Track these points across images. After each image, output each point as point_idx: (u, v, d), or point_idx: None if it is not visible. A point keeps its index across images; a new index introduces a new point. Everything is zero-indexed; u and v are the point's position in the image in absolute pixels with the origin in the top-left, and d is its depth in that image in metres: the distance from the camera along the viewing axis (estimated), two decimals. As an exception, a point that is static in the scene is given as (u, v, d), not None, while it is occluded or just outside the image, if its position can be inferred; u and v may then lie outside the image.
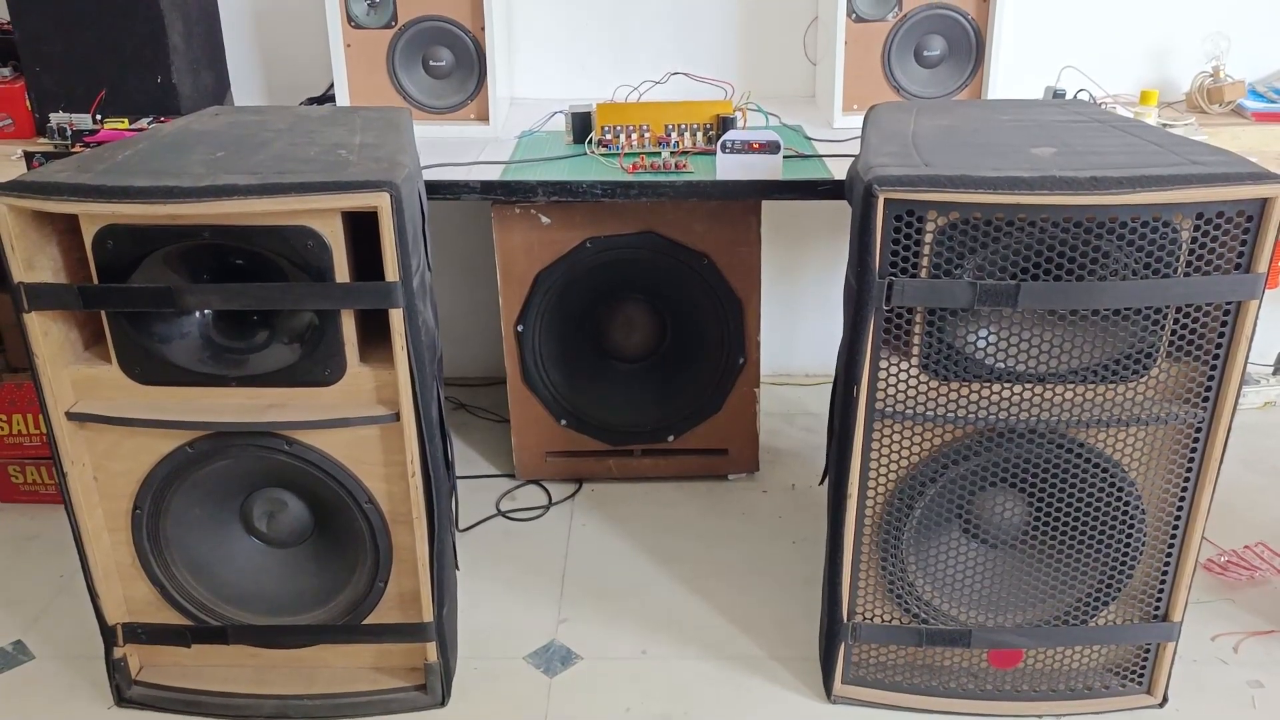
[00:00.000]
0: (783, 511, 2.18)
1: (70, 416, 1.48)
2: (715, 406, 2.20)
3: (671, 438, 2.23)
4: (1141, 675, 1.63)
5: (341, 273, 1.42)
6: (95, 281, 1.41)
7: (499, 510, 2.20)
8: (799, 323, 2.73)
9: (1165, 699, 1.63)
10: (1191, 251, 1.36)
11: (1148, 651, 1.61)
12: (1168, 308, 1.39)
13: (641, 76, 2.35)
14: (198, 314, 1.47)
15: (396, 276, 1.40)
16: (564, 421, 2.22)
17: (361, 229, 1.43)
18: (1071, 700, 1.62)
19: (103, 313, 1.44)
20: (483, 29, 2.09)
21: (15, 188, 1.34)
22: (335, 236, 1.39)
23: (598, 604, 1.91)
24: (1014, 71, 2.39)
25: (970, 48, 2.15)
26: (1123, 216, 1.33)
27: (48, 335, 1.43)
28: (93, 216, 1.37)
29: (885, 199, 1.34)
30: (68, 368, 1.48)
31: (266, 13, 2.43)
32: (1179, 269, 1.36)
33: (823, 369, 2.77)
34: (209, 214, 1.34)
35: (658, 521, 2.16)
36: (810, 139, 2.12)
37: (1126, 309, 1.39)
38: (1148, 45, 2.44)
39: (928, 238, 1.37)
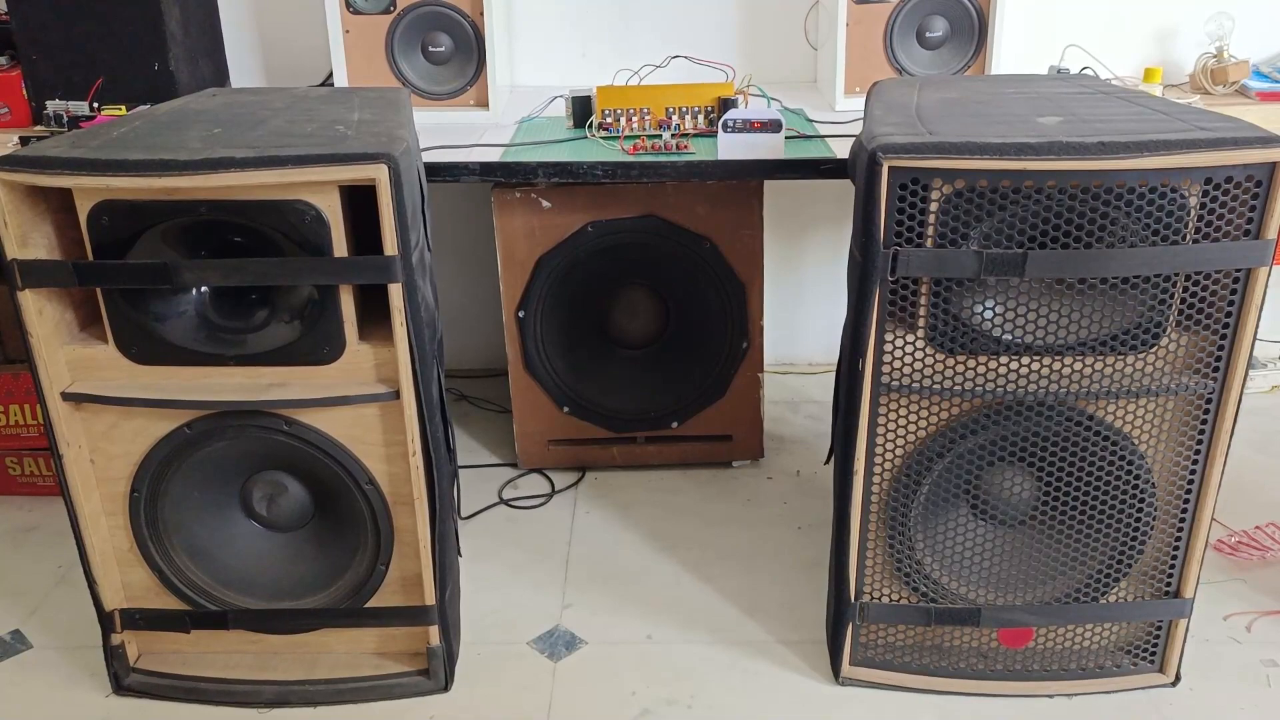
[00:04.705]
0: (788, 497, 2.16)
1: (66, 397, 1.46)
2: (719, 392, 2.18)
3: (675, 424, 2.21)
4: (1154, 654, 1.61)
5: (340, 248, 1.40)
6: (90, 260, 1.40)
7: (501, 499, 2.18)
8: (803, 312, 2.71)
9: (1178, 678, 1.61)
10: (1200, 218, 1.35)
11: (1159, 629, 1.59)
12: (1176, 276, 1.37)
13: (641, 61, 2.34)
14: (195, 292, 1.46)
15: (395, 250, 1.38)
16: (566, 409, 2.20)
17: (361, 211, 1.42)
18: (1083, 679, 1.60)
19: (99, 291, 1.43)
20: (482, 14, 2.08)
21: (8, 162, 1.32)
22: (333, 211, 1.38)
23: (602, 589, 1.89)
24: (1017, 52, 2.37)
25: (973, 28, 2.13)
26: (1130, 182, 1.31)
27: (42, 314, 1.42)
28: (87, 191, 1.36)
29: (890, 167, 1.33)
30: (63, 347, 1.46)
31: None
32: (1188, 236, 1.34)
33: (826, 358, 2.76)
34: (206, 187, 1.33)
35: (662, 508, 2.14)
36: (812, 121, 2.10)
37: (1135, 277, 1.37)
38: (1151, 26, 2.43)
39: (933, 206, 1.35)
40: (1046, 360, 1.42)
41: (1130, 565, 1.54)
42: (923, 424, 1.49)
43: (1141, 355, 1.42)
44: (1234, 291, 1.37)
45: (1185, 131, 1.33)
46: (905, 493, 1.52)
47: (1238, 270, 1.36)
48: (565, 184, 2.00)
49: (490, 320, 2.68)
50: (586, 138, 1.99)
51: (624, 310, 2.18)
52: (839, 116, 2.13)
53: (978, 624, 1.58)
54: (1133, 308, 1.39)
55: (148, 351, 1.46)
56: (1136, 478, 1.48)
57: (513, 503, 2.17)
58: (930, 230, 1.36)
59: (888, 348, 1.44)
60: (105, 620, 1.61)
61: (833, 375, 2.07)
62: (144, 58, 2.09)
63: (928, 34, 2.15)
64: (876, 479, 1.52)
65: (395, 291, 1.40)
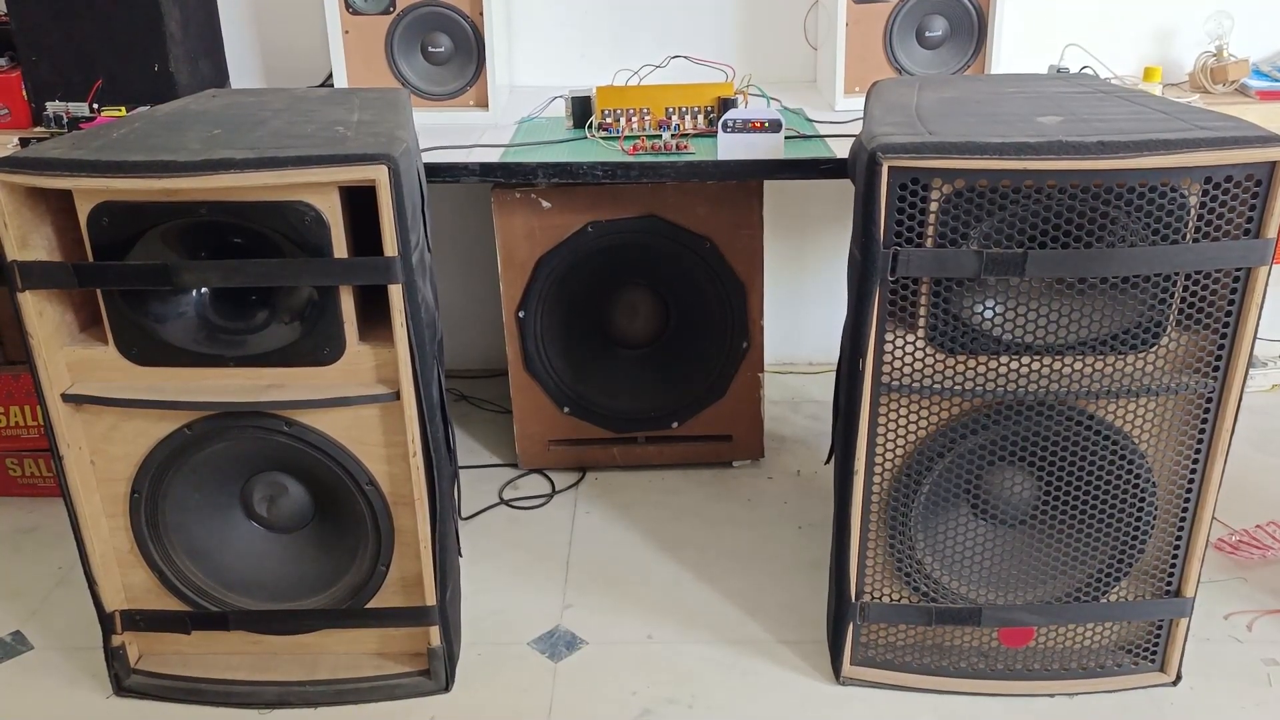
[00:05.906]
0: (788, 497, 2.16)
1: (66, 398, 1.46)
2: (719, 392, 2.18)
3: (675, 424, 2.21)
4: (1154, 653, 1.61)
5: (340, 249, 1.40)
6: (91, 261, 1.40)
7: (501, 499, 2.18)
8: (804, 312, 2.71)
9: (1179, 677, 1.61)
10: (1200, 217, 1.34)
11: (1160, 629, 1.59)
12: (1177, 275, 1.37)
13: (641, 61, 2.34)
14: (195, 293, 1.46)
15: (395, 251, 1.38)
16: (567, 409, 2.20)
17: (361, 212, 1.42)
18: (1084, 679, 1.60)
19: (99, 293, 1.43)
20: (481, 14, 2.08)
21: (8, 163, 1.32)
22: (333, 212, 1.38)
23: (603, 590, 1.89)
24: (1017, 51, 2.37)
25: (972, 27, 2.13)
26: (1130, 181, 1.31)
27: (42, 315, 1.42)
28: (87, 193, 1.36)
29: (889, 167, 1.32)
30: (63, 349, 1.46)
31: (264, 0, 2.42)
32: (1188, 235, 1.34)
33: (827, 357, 2.75)
34: (206, 188, 1.33)
35: (662, 508, 2.13)
36: (812, 120, 2.10)
37: (1135, 277, 1.37)
38: (1151, 25, 2.43)
39: (933, 206, 1.35)
40: (1047, 360, 1.42)
41: (1131, 564, 1.54)
42: (923, 424, 1.49)
43: (1142, 355, 1.42)
44: (1234, 290, 1.37)
45: (1185, 131, 1.33)
46: (906, 492, 1.52)
47: (1238, 269, 1.36)
48: (565, 184, 2.00)
49: (490, 320, 2.68)
50: (586, 138, 1.99)
51: (624, 310, 2.18)
52: (839, 116, 2.13)
53: (978, 624, 1.58)
54: (1133, 307, 1.39)
55: (148, 353, 1.46)
56: (1137, 477, 1.48)
57: (513, 503, 2.17)
58: (930, 230, 1.36)
59: (888, 347, 1.44)
60: (106, 621, 1.61)
61: (833, 375, 2.08)
62: (144, 59, 2.09)
63: (927, 33, 2.15)
64: (877, 479, 1.52)
65: (395, 292, 1.40)
